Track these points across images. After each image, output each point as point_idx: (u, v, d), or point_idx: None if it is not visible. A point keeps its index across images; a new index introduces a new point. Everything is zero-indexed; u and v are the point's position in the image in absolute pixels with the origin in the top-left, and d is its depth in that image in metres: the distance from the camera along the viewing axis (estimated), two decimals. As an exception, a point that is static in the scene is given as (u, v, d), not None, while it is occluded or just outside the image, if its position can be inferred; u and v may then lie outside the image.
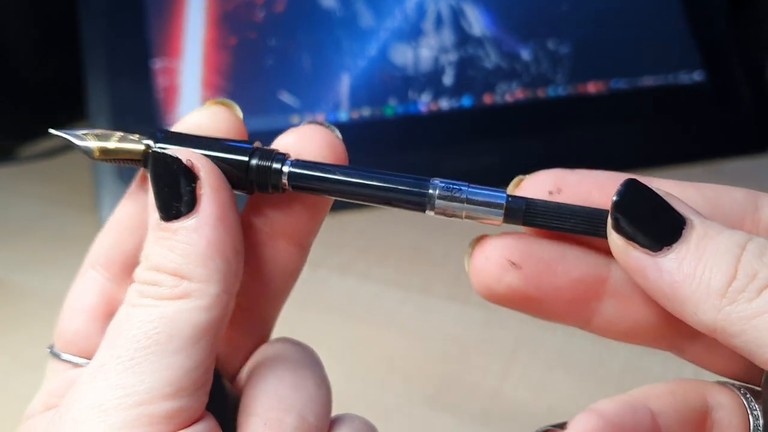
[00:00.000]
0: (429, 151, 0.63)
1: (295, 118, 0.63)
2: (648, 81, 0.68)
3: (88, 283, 0.25)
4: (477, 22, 0.67)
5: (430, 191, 0.22)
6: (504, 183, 0.68)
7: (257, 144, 0.23)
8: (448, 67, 0.66)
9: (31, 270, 0.56)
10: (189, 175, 0.21)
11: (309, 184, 0.22)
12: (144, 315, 0.21)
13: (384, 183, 0.22)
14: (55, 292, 0.53)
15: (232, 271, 0.21)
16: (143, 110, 0.61)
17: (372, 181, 0.22)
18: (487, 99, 0.66)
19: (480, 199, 0.22)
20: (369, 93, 0.65)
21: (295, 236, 0.24)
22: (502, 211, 0.21)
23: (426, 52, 0.66)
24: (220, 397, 0.23)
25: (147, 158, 0.22)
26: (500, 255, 0.21)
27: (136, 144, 0.23)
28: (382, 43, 0.65)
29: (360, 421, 0.24)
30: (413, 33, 0.66)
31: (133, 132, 0.23)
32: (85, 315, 0.24)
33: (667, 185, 0.22)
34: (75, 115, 0.72)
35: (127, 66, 0.62)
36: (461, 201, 0.22)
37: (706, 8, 0.70)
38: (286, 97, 0.63)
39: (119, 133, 0.23)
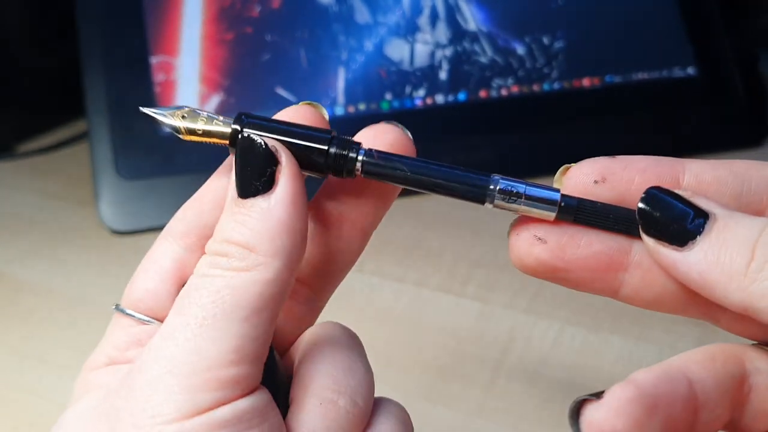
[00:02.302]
0: (425, 146, 0.63)
1: (291, 113, 0.63)
2: (642, 76, 0.68)
3: (164, 248, 0.26)
4: (472, 18, 0.67)
5: (491, 186, 0.23)
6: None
7: (334, 133, 0.24)
8: (444, 62, 0.66)
9: (30, 264, 0.57)
10: (272, 159, 0.23)
11: (380, 171, 0.24)
12: (212, 284, 0.22)
13: (449, 176, 0.24)
14: (54, 286, 0.54)
15: (296, 250, 0.23)
16: (141, 105, 0.61)
17: (438, 173, 0.24)
18: (483, 94, 0.66)
19: (537, 196, 0.23)
20: (365, 88, 0.65)
21: (360, 222, 0.26)
22: (556, 208, 0.23)
23: (422, 47, 0.66)
24: (271, 369, 0.24)
25: (233, 139, 0.24)
26: (528, 232, 0.23)
27: (222, 126, 0.24)
28: (378, 39, 0.66)
29: (396, 407, 0.25)
30: (409, 28, 0.66)
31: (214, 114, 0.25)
32: (157, 276, 0.26)
33: (699, 166, 0.23)
34: (73, 111, 0.73)
35: (125, 61, 0.62)
36: (519, 197, 0.23)
37: (699, 3, 0.70)
38: (282, 92, 0.64)
39: (205, 114, 0.25)
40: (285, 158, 0.23)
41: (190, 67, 0.63)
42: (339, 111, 0.64)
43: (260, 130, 0.24)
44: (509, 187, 0.23)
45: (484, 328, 0.49)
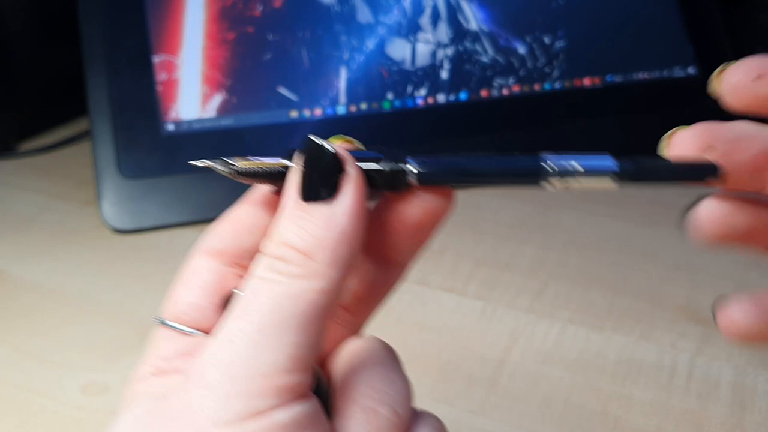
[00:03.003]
0: (426, 145, 0.64)
1: (293, 113, 0.63)
2: (643, 75, 0.69)
3: (204, 263, 0.27)
4: (473, 17, 0.67)
5: (543, 165, 0.23)
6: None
7: (382, 148, 0.25)
8: (445, 61, 0.66)
9: (32, 263, 0.57)
10: (339, 166, 0.23)
11: (435, 178, 0.24)
12: (271, 290, 0.22)
13: (502, 165, 0.24)
14: (55, 285, 0.54)
15: (352, 262, 0.23)
16: (143, 104, 0.62)
17: (492, 165, 0.24)
18: (484, 93, 0.66)
19: (591, 166, 0.23)
20: (367, 87, 0.65)
21: (420, 233, 0.26)
22: (615, 175, 0.23)
23: (423, 46, 0.66)
24: (316, 377, 0.25)
25: (286, 170, 0.25)
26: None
27: (275, 159, 0.25)
28: (380, 38, 0.66)
29: (436, 420, 0.26)
30: (410, 28, 0.66)
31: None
32: (200, 290, 0.26)
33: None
34: (75, 109, 0.73)
35: (127, 60, 0.62)
36: (574, 172, 0.23)
37: (699, 3, 0.71)
38: (284, 92, 0.64)
39: (257, 158, 0.25)
40: (352, 168, 0.24)
41: (192, 66, 0.63)
42: (341, 110, 0.64)
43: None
44: (562, 164, 0.23)
45: (486, 327, 0.49)
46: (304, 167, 0.24)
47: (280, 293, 0.22)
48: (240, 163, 0.25)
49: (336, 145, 0.24)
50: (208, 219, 0.60)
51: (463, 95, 0.66)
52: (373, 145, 0.25)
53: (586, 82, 0.68)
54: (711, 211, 0.24)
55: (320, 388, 0.25)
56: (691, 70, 0.69)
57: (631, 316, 0.49)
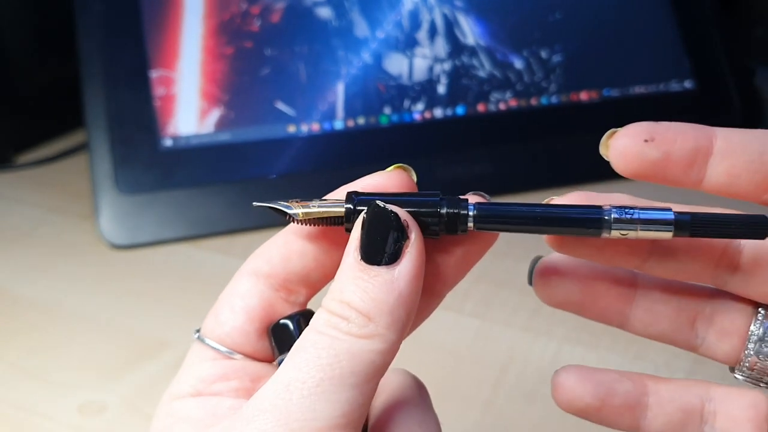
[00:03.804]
0: (423, 160, 0.64)
1: (291, 128, 0.64)
2: (640, 89, 0.69)
3: (250, 287, 0.27)
4: (471, 32, 0.68)
5: (606, 217, 0.24)
6: (497, 190, 0.69)
7: (440, 194, 0.25)
8: (442, 76, 0.67)
9: (29, 278, 0.57)
10: (402, 231, 0.24)
11: (492, 224, 0.25)
12: (332, 346, 0.23)
13: (562, 214, 0.25)
14: (52, 302, 0.54)
15: (409, 324, 0.24)
16: (140, 119, 0.62)
17: (551, 215, 0.25)
18: (481, 107, 0.67)
19: (651, 218, 0.24)
20: (364, 102, 0.65)
21: (465, 267, 0.27)
22: (672, 227, 0.24)
23: (420, 61, 0.67)
24: None
25: (349, 217, 0.25)
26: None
27: (337, 207, 0.25)
28: (377, 53, 0.66)
29: None
30: (408, 42, 0.67)
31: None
32: (244, 314, 0.27)
33: (727, 131, 0.24)
34: (72, 121, 0.73)
35: (125, 75, 0.62)
36: (635, 222, 0.24)
37: (695, 17, 0.71)
38: (282, 107, 0.64)
39: (317, 200, 0.26)
40: (415, 234, 0.24)
41: (190, 81, 0.63)
42: (338, 125, 0.64)
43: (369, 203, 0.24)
44: (623, 215, 0.24)
45: (482, 346, 0.49)
46: (368, 229, 0.24)
47: (342, 350, 0.23)
48: (301, 212, 0.25)
49: (400, 211, 0.24)
50: (205, 235, 0.60)
51: (460, 110, 0.66)
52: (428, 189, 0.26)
53: (583, 96, 0.68)
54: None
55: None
56: (688, 84, 0.69)
57: (627, 336, 0.49)
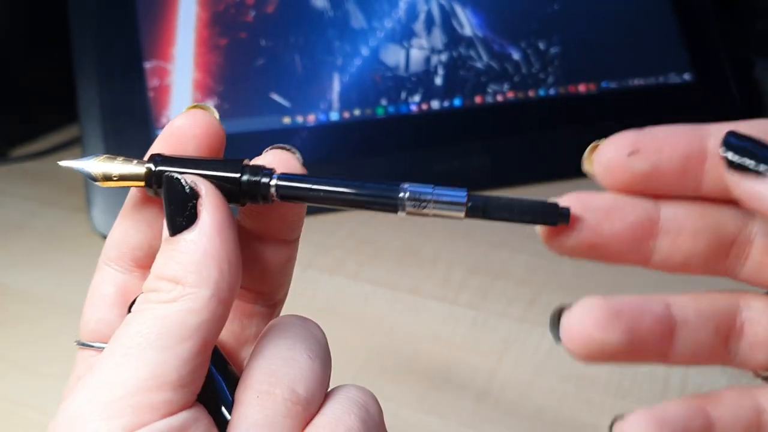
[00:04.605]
0: (420, 152, 0.64)
1: (286, 119, 0.63)
2: (638, 82, 0.68)
3: (105, 276, 0.27)
4: (468, 23, 0.67)
5: (401, 195, 0.24)
6: (494, 182, 0.69)
7: (246, 161, 0.25)
8: (439, 67, 0.66)
9: (21, 270, 0.56)
10: (192, 193, 0.24)
11: (295, 194, 0.25)
12: (140, 317, 0.23)
13: (360, 189, 0.25)
14: (45, 294, 0.54)
15: (225, 279, 0.23)
16: (134, 111, 0.61)
17: (350, 188, 0.25)
18: (478, 99, 0.66)
19: (444, 199, 0.24)
20: (360, 93, 0.65)
21: (282, 235, 0.27)
22: (464, 209, 0.24)
23: (417, 52, 0.66)
24: (229, 384, 0.25)
25: (150, 179, 0.25)
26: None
27: (137, 168, 0.25)
28: (374, 44, 0.65)
29: (355, 389, 0.25)
30: (404, 34, 0.66)
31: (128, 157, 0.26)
32: (104, 305, 0.26)
33: (720, 128, 0.23)
34: (66, 115, 0.72)
35: (118, 67, 0.62)
36: (428, 202, 0.24)
37: (694, 9, 0.70)
38: (277, 98, 0.63)
39: (120, 158, 0.25)
40: (205, 190, 0.24)
41: (184, 72, 0.62)
42: (334, 117, 0.64)
43: (174, 165, 0.25)
44: (418, 194, 0.24)
45: (478, 337, 0.49)
46: (166, 203, 0.24)
47: (149, 317, 0.23)
48: (100, 169, 0.25)
49: (188, 176, 0.24)
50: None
51: (457, 101, 0.66)
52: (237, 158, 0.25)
53: (581, 88, 0.68)
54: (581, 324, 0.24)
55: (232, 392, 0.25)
56: (686, 77, 0.69)
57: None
